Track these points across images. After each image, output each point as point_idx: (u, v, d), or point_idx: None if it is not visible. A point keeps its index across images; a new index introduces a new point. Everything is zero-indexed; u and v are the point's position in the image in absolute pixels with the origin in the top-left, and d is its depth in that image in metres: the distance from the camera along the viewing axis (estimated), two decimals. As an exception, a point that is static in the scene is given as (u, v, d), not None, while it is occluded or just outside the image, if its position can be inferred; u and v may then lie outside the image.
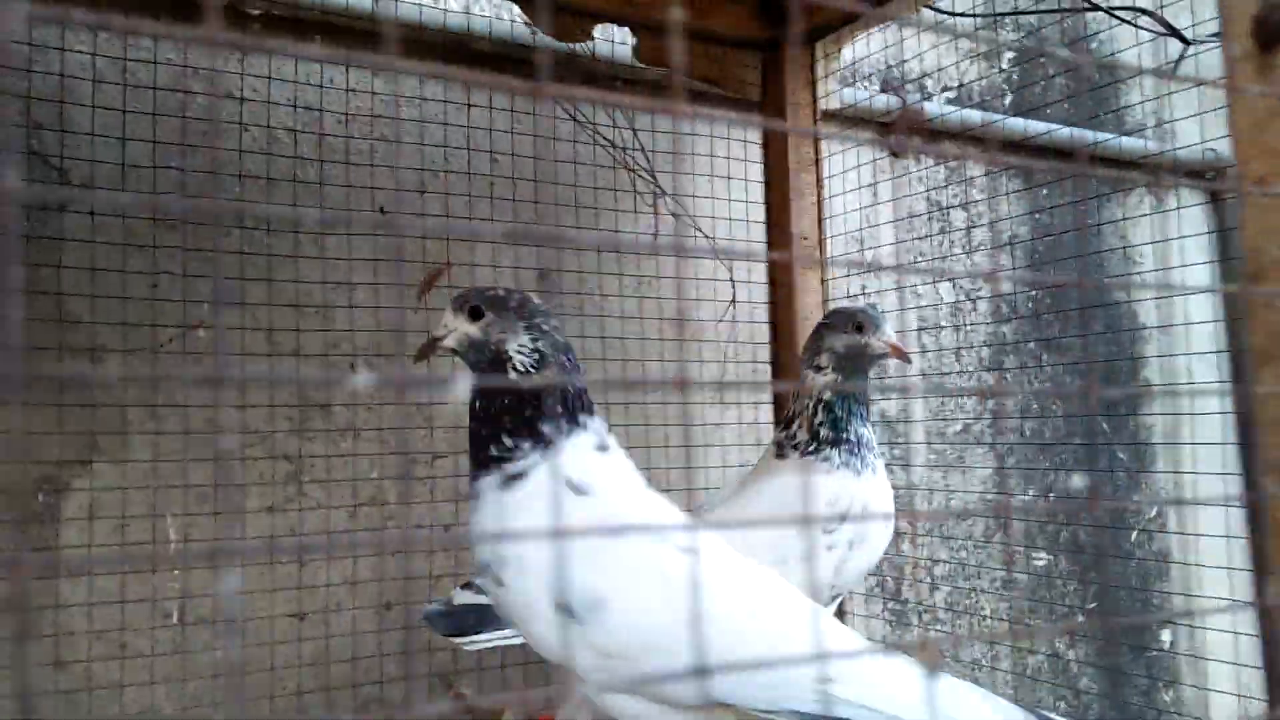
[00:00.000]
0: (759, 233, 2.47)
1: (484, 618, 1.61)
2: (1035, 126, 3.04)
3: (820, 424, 1.88)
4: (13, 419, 1.81)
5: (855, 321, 1.88)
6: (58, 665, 1.89)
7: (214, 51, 1.93)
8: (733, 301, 2.53)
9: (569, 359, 1.42)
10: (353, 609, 2.13)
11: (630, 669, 1.27)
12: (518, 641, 1.57)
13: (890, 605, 2.92)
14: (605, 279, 2.43)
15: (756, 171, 2.47)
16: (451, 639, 1.65)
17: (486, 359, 1.39)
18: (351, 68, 2.14)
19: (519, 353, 1.37)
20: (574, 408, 1.38)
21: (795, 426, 1.92)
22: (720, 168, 2.49)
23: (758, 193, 2.47)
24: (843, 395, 1.87)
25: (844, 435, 1.87)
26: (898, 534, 2.92)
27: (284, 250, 2.09)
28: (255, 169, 2.08)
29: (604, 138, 2.43)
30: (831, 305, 2.45)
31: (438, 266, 2.14)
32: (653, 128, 2.48)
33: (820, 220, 2.37)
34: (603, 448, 1.38)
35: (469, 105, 2.25)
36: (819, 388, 1.90)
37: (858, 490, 1.87)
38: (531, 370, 1.37)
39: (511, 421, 1.34)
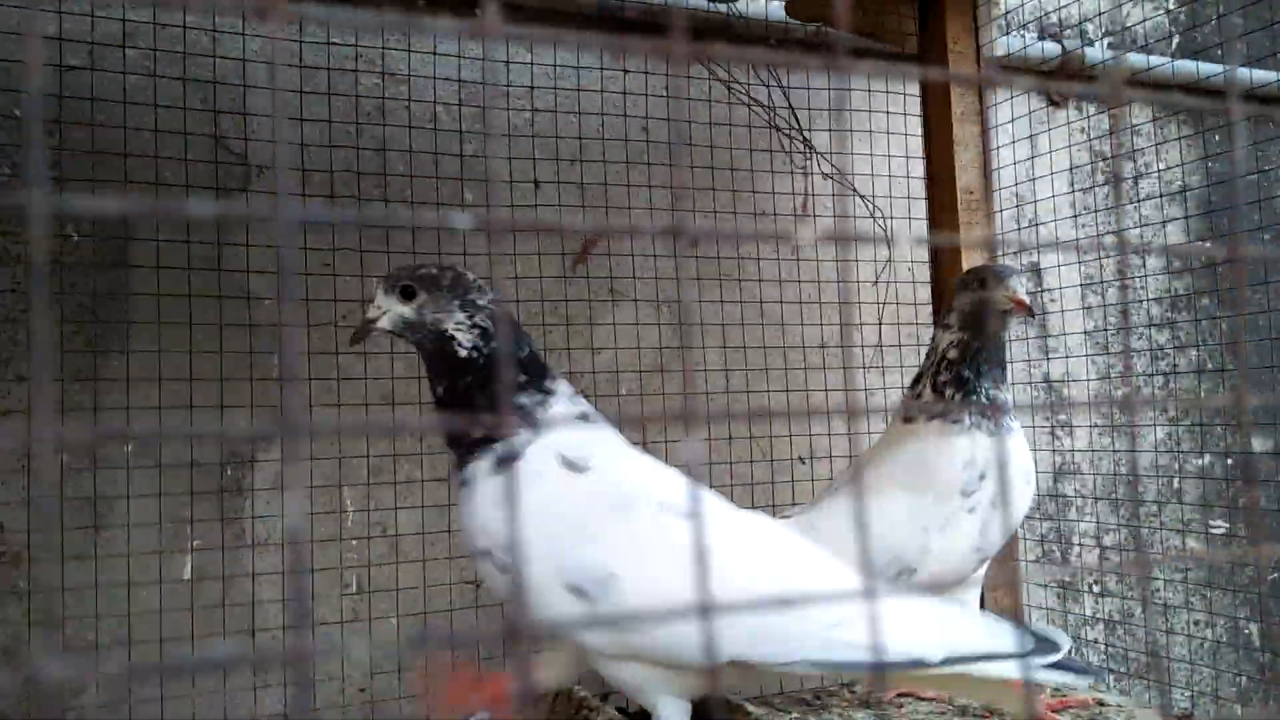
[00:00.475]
0: (918, 188, 2.39)
1: None
2: (1206, 68, 2.85)
3: (945, 383, 1.82)
4: (207, 396, 1.90)
5: (979, 277, 1.81)
6: (252, 633, 1.97)
7: (382, 30, 1.97)
8: (889, 260, 2.46)
9: (513, 328, 1.39)
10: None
11: (643, 640, 1.26)
12: None
13: (1059, 576, 2.80)
14: (759, 241, 2.39)
15: (915, 126, 2.38)
16: None
17: (429, 340, 1.33)
18: (511, 42, 2.16)
19: (459, 330, 1.32)
20: (535, 374, 1.34)
21: (921, 386, 1.86)
22: (878, 123, 2.41)
23: (917, 148, 2.38)
24: (971, 354, 1.80)
25: (974, 396, 1.80)
26: (1065, 502, 2.80)
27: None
28: (422, 145, 2.12)
29: (754, 99, 2.39)
30: (998, 261, 2.35)
31: (592, 234, 2.14)
32: (807, 85, 2.42)
33: (988, 172, 2.27)
34: (585, 417, 1.35)
35: (624, 71, 2.24)
36: (944, 345, 1.84)
37: (994, 449, 1.79)
38: (480, 346, 1.32)
39: (485, 400, 1.31)
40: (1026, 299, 1.77)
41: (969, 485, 1.77)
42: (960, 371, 1.81)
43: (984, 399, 1.80)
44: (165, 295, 1.87)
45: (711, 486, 2.31)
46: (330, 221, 0.73)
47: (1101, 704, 2.16)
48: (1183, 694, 2.79)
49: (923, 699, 2.04)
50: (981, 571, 1.88)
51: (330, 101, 2.03)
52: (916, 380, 1.89)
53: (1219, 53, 3.04)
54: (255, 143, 2.01)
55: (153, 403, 1.84)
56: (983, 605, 2.37)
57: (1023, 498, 1.85)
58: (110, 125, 1.87)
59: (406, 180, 2.09)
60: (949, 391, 1.81)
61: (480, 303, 1.34)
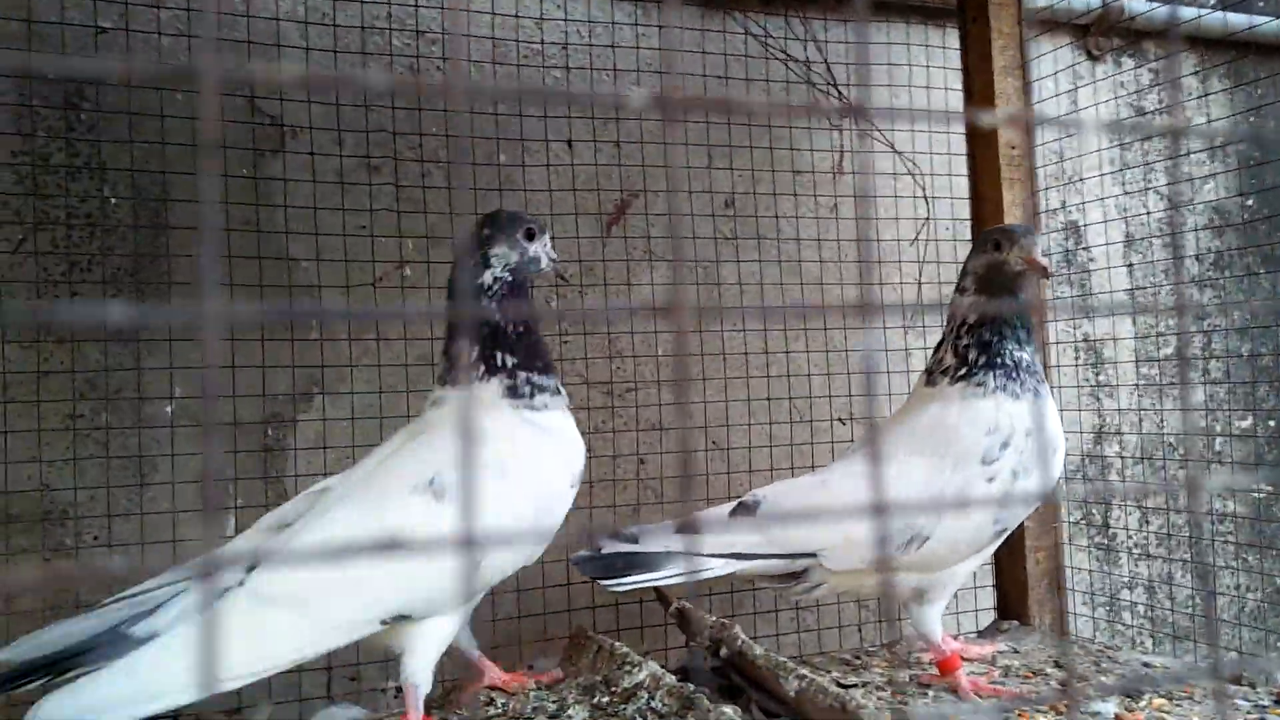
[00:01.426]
0: (959, 144, 2.35)
1: (631, 562, 1.65)
2: (1252, 19, 2.77)
3: (967, 347, 1.79)
4: (249, 356, 1.90)
5: (993, 239, 1.77)
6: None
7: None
8: (928, 219, 2.42)
9: None
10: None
11: None
12: (664, 581, 1.67)
13: (1097, 539, 2.77)
14: (797, 201, 2.36)
15: (954, 80, 2.34)
16: (598, 581, 1.68)
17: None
18: (544, -4, 2.14)
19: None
20: None
21: (943, 351, 1.83)
22: (916, 78, 2.37)
23: (956, 102, 2.34)
24: (990, 316, 1.77)
25: (997, 358, 1.76)
26: (1105, 464, 2.77)
27: (488, 184, 2.10)
28: (453, 104, 2.09)
29: (789, 54, 2.35)
30: (1041, 220, 2.32)
31: (623, 198, 2.12)
32: (845, 39, 2.38)
33: (1029, 127, 2.23)
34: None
35: (659, 27, 2.21)
36: (962, 309, 1.80)
37: (1018, 414, 1.75)
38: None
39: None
40: (1041, 259, 1.73)
41: (990, 453, 1.73)
42: (981, 335, 1.78)
43: (1009, 360, 1.76)
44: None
45: (751, 447, 2.30)
46: (259, 321, 0.72)
47: (1147, 665, 2.14)
48: (1229, 656, 2.76)
49: (965, 659, 2.02)
50: (997, 543, 1.85)
51: (364, 61, 2.01)
52: (939, 345, 1.86)
53: (1260, 4, 2.96)
54: (290, 104, 2.00)
55: (195, 362, 1.85)
56: (1017, 567, 2.35)
57: (1049, 468, 1.79)
58: (146, 87, 1.87)
59: (442, 140, 2.07)
60: (972, 355, 1.78)
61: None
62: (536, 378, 1.52)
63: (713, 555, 1.71)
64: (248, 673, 1.32)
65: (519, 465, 1.48)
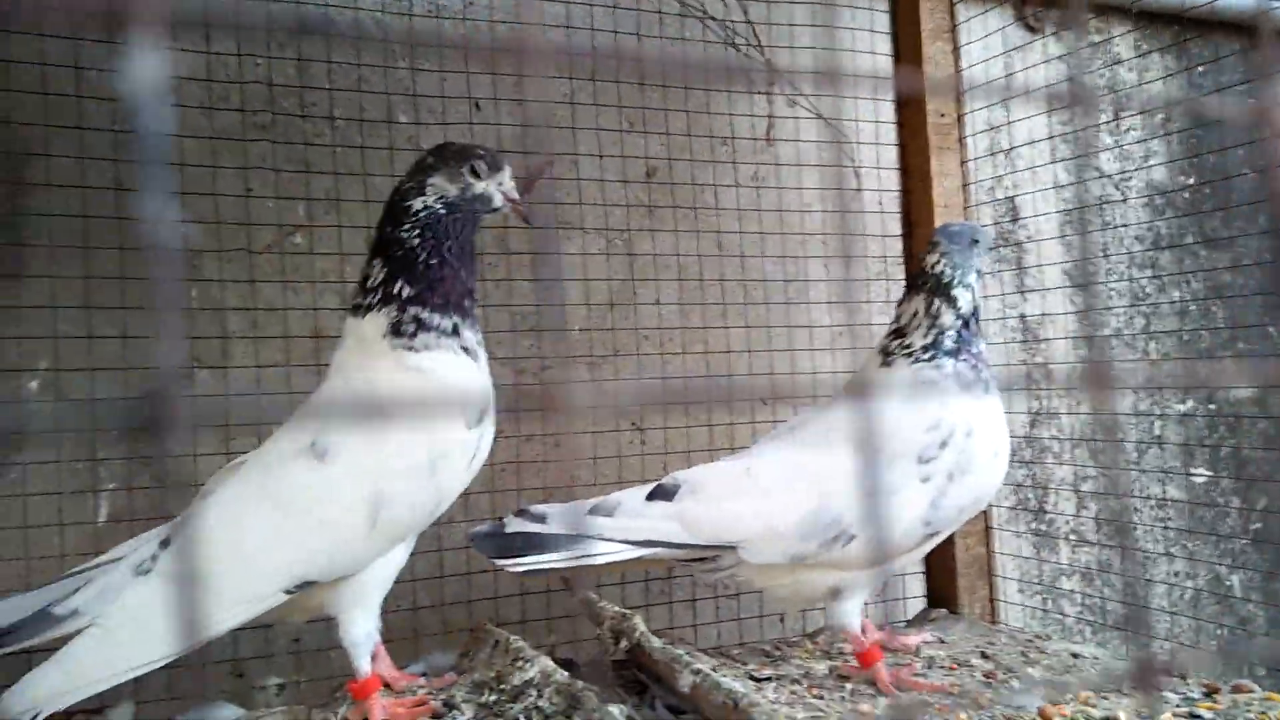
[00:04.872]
0: (887, 112, 2.24)
1: (530, 543, 1.59)
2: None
3: (933, 342, 1.74)
4: (114, 327, 1.75)
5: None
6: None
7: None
8: (857, 190, 2.32)
9: None
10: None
11: None
12: (564, 564, 1.59)
13: (1034, 525, 2.69)
14: (719, 170, 2.24)
15: (884, 44, 2.23)
16: (493, 560, 1.60)
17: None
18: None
19: None
20: None
21: (907, 339, 1.77)
22: (843, 40, 2.26)
23: (886, 68, 2.23)
24: (973, 310, 1.74)
25: (962, 348, 1.72)
26: (1042, 449, 2.69)
27: (380, 143, 1.96)
28: (344, 59, 1.95)
29: (709, 14, 2.23)
30: (971, 190, 2.22)
31: (537, 163, 1.99)
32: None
33: (960, 95, 2.13)
34: None
35: (567, -17, 2.08)
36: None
37: (963, 411, 1.69)
38: None
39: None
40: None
41: (926, 451, 1.65)
42: (960, 325, 1.75)
43: (975, 350, 1.74)
44: (59, 216, 1.71)
45: (667, 428, 2.19)
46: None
47: (1075, 656, 2.06)
48: (1162, 646, 2.70)
49: (888, 649, 1.94)
50: (928, 546, 1.77)
51: (239, 7, 1.86)
52: (900, 332, 1.78)
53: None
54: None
55: (50, 331, 1.70)
56: (946, 554, 2.26)
57: (989, 472, 1.71)
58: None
59: (327, 95, 1.93)
60: (946, 342, 1.74)
61: None
62: (426, 314, 1.43)
63: (625, 542, 1.61)
64: (165, 654, 1.31)
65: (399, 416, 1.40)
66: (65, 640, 1.32)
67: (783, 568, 1.68)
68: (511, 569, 1.60)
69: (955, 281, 1.75)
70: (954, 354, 1.72)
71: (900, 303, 1.81)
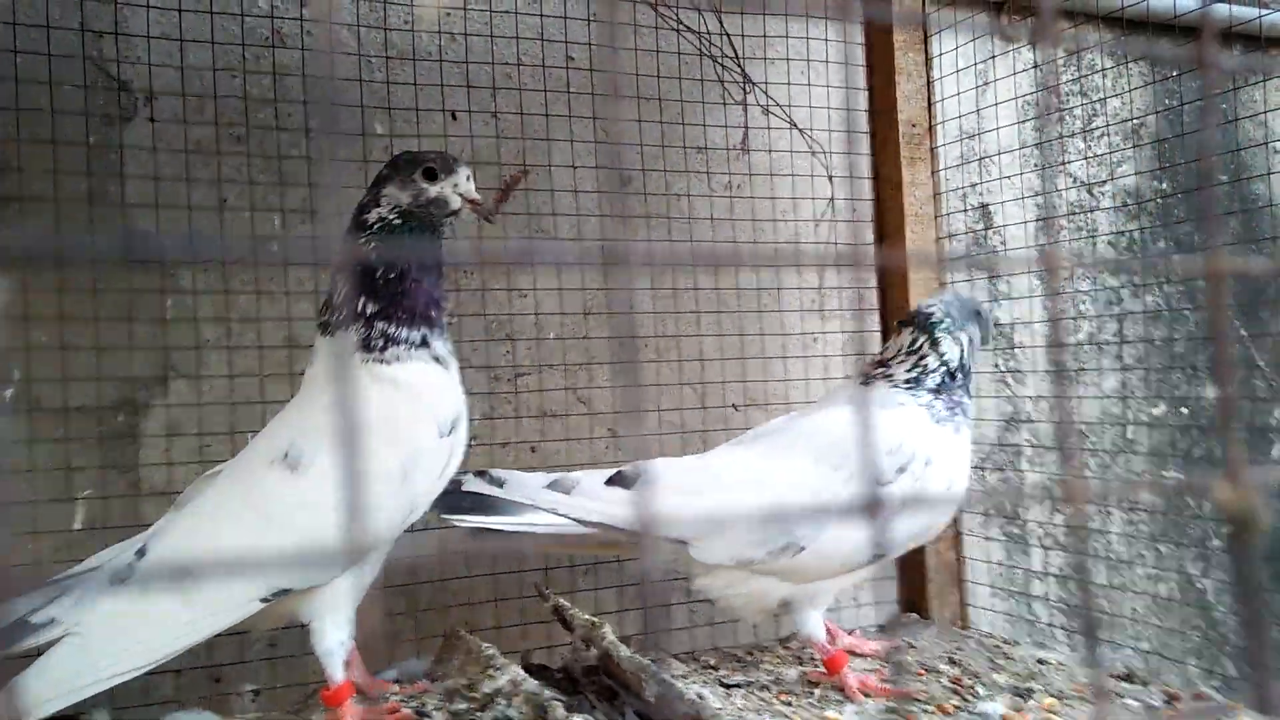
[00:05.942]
0: (861, 122, 2.26)
1: (479, 504, 1.64)
2: (1184, 4, 2.67)
3: (926, 368, 1.78)
4: (88, 337, 1.76)
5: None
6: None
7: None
8: (831, 200, 2.34)
9: None
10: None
11: None
12: (498, 526, 1.63)
13: (1006, 528, 2.73)
14: (693, 180, 2.26)
15: (858, 55, 2.25)
16: (441, 515, 1.64)
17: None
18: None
19: None
20: None
21: (891, 369, 1.81)
22: (817, 51, 2.28)
23: (860, 78, 2.25)
24: (944, 360, 1.78)
25: (945, 382, 1.77)
26: (1015, 452, 2.72)
27: (353, 157, 1.97)
28: (319, 71, 1.96)
29: (687, 26, 2.24)
30: (942, 199, 2.24)
31: (513, 173, 2.00)
32: (742, 9, 2.27)
33: (930, 104, 2.15)
34: None
35: (541, -7, 2.09)
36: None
37: (928, 441, 1.73)
38: None
39: None
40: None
41: (885, 474, 1.69)
42: (944, 360, 1.79)
43: (956, 391, 1.78)
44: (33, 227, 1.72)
45: (644, 435, 2.21)
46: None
47: (1042, 662, 2.09)
48: (1132, 650, 2.73)
49: (857, 655, 1.96)
50: (870, 569, 1.81)
51: (214, 21, 1.87)
52: (884, 363, 1.83)
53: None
54: (138, 66, 1.85)
55: (17, 343, 1.71)
56: (916, 559, 2.29)
57: (942, 504, 1.75)
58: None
59: (303, 109, 1.94)
60: (930, 381, 1.79)
61: None
62: (394, 329, 1.44)
63: (574, 520, 1.64)
64: (143, 663, 1.33)
65: (373, 427, 1.40)
66: (43, 649, 1.33)
67: (734, 573, 1.71)
68: (456, 523, 1.65)
69: (946, 329, 1.79)
70: (935, 392, 1.76)
71: (889, 338, 1.87)
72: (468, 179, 1.50)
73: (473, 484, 1.65)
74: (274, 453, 1.42)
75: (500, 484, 1.65)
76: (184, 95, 1.83)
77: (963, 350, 1.80)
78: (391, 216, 1.45)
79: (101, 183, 1.77)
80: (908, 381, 1.77)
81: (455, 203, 1.49)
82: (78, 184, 1.75)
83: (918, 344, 1.79)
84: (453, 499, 1.62)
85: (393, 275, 1.44)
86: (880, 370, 1.82)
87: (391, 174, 1.47)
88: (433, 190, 1.46)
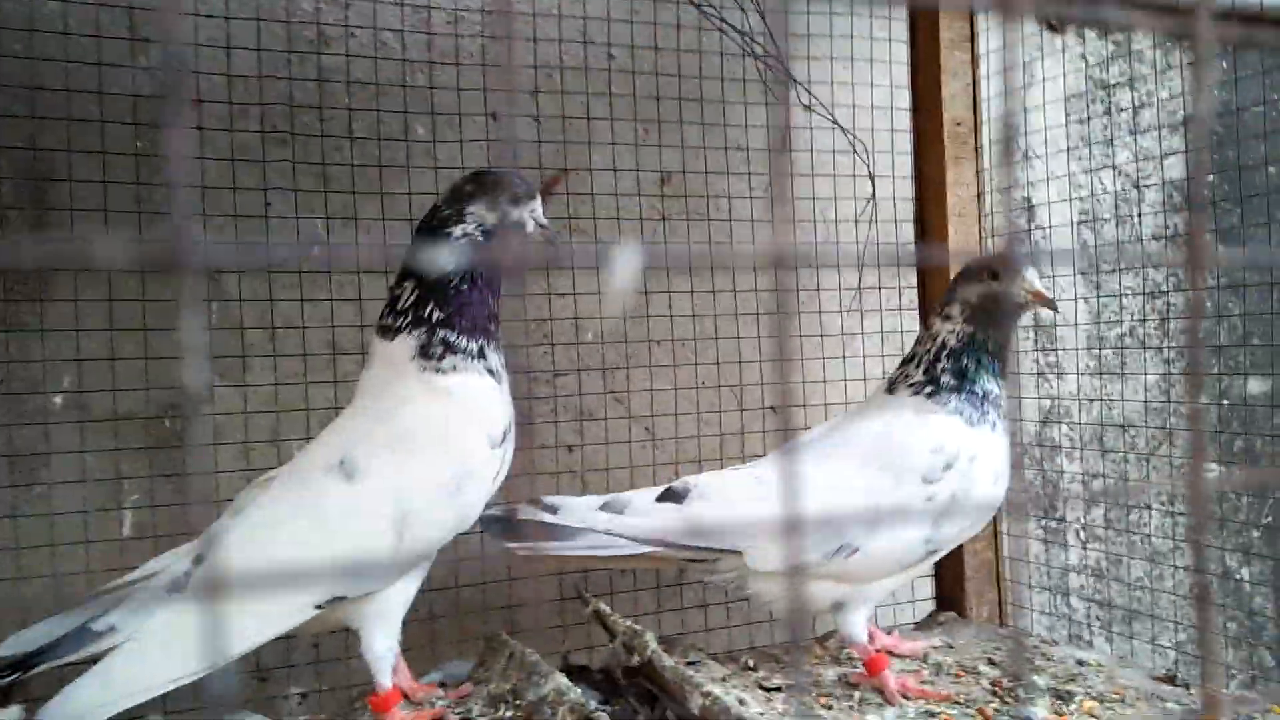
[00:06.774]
0: (903, 121, 2.24)
1: (539, 531, 1.65)
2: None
3: (943, 371, 1.76)
4: (135, 346, 1.79)
5: (990, 268, 1.74)
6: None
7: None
8: (872, 198, 2.31)
9: None
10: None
11: None
12: (559, 553, 1.65)
13: (1044, 523, 2.72)
14: (733, 181, 2.24)
15: (901, 53, 2.21)
16: (504, 543, 1.69)
17: None
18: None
19: None
20: None
21: (913, 366, 1.79)
22: (861, 50, 2.24)
23: (902, 76, 2.22)
24: (973, 346, 1.74)
25: (968, 386, 1.74)
26: (1052, 447, 2.70)
27: (397, 161, 1.97)
28: (363, 75, 1.96)
29: (728, 23, 2.22)
30: (986, 199, 2.22)
31: (554, 174, 2.00)
32: (785, 8, 2.24)
33: (976, 103, 2.12)
34: None
35: (583, -6, 2.07)
36: (944, 334, 1.77)
37: (968, 440, 1.72)
38: None
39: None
40: (1045, 290, 1.69)
41: (931, 473, 1.69)
42: (961, 362, 1.75)
43: (978, 390, 1.74)
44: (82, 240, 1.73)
45: (678, 438, 2.21)
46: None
47: (1081, 663, 2.09)
48: (1170, 640, 2.72)
49: (895, 655, 1.97)
50: (926, 564, 1.81)
51: (261, 28, 1.86)
52: (909, 361, 1.81)
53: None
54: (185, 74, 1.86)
55: (71, 355, 1.73)
56: (954, 557, 2.29)
57: (988, 497, 1.75)
58: (23, 56, 1.72)
59: (346, 114, 1.94)
60: (945, 379, 1.75)
61: None
62: (454, 337, 1.48)
63: (631, 539, 1.66)
64: (198, 669, 1.34)
65: (427, 436, 1.47)
66: (102, 656, 1.36)
67: (789, 579, 1.72)
68: (519, 552, 1.68)
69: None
70: (958, 391, 1.74)
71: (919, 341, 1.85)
72: (540, 204, 1.56)
73: (527, 512, 1.67)
74: (329, 461, 1.45)
75: (554, 510, 1.67)
76: (230, 103, 1.84)
77: (978, 355, 1.77)
78: (476, 234, 1.49)
79: (149, 192, 1.78)
80: (924, 383, 1.76)
81: (530, 226, 1.54)
82: (127, 193, 1.77)
83: (939, 368, 1.78)
84: (511, 527, 1.65)
85: (465, 286, 1.47)
86: (901, 373, 1.81)
87: (477, 192, 1.50)
88: (515, 214, 1.51)
